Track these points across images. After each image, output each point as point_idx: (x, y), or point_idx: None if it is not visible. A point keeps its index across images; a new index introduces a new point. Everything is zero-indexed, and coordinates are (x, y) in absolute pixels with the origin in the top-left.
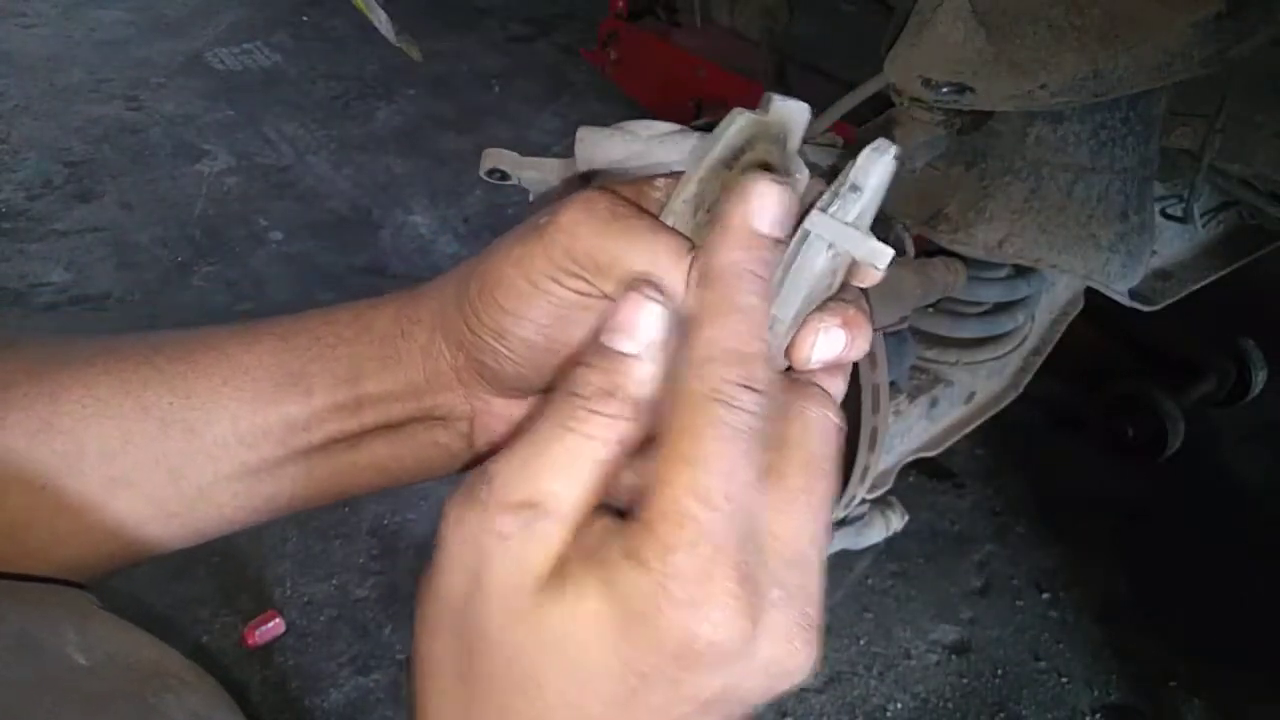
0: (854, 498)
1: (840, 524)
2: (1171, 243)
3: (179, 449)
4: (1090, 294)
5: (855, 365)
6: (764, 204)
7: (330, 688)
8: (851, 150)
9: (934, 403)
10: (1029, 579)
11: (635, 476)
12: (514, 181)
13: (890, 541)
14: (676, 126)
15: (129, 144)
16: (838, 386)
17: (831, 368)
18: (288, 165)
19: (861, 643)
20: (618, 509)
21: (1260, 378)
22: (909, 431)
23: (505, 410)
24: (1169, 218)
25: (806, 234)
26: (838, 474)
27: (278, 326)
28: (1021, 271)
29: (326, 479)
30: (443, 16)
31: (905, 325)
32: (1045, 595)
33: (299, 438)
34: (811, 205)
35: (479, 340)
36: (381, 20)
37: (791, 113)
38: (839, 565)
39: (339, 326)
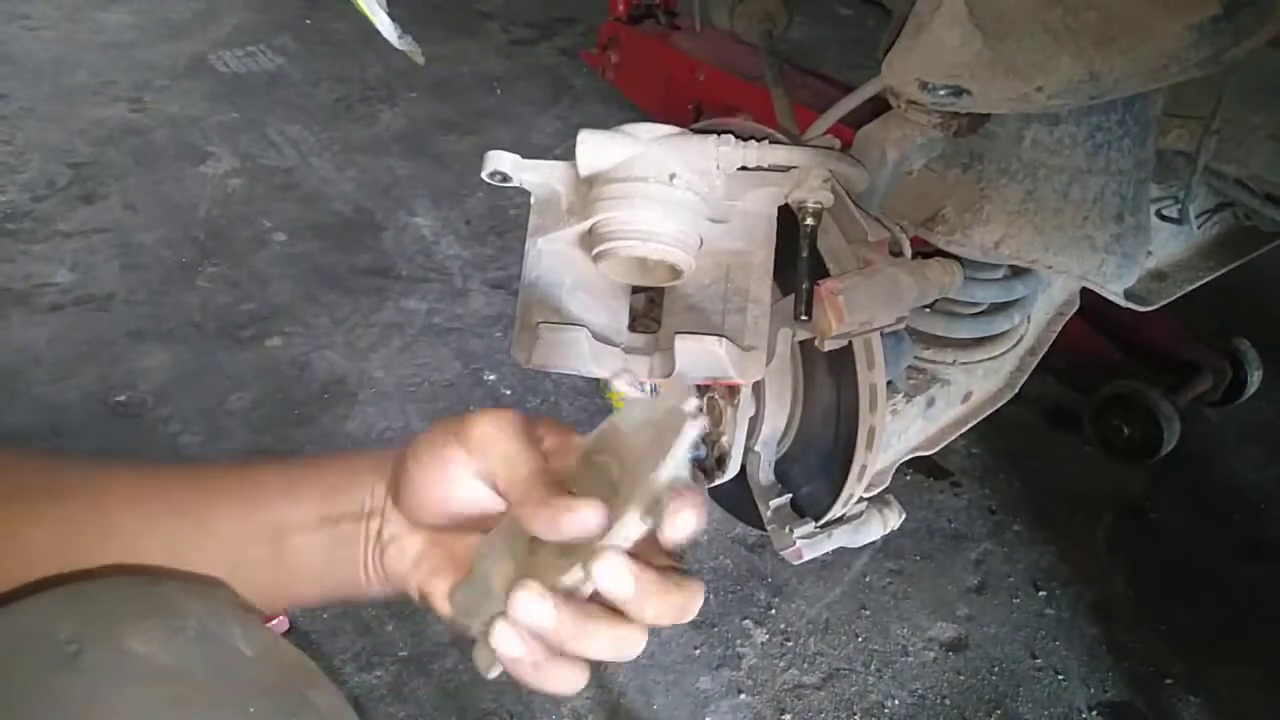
0: (852, 496)
1: (838, 522)
2: (1167, 244)
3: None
4: (1086, 294)
5: (854, 365)
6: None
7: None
8: None
9: (931, 402)
10: (1025, 577)
11: None
12: (515, 183)
13: (887, 540)
14: (676, 129)
15: (133, 146)
16: None
17: None
18: (291, 167)
19: (859, 640)
20: None
21: (1256, 378)
22: (906, 431)
23: (407, 535)
24: (1164, 219)
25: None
26: (836, 474)
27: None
28: (1018, 272)
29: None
30: (445, 20)
31: (902, 325)
32: (1042, 593)
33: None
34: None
35: (405, 500)
36: (384, 23)
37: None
38: (837, 563)
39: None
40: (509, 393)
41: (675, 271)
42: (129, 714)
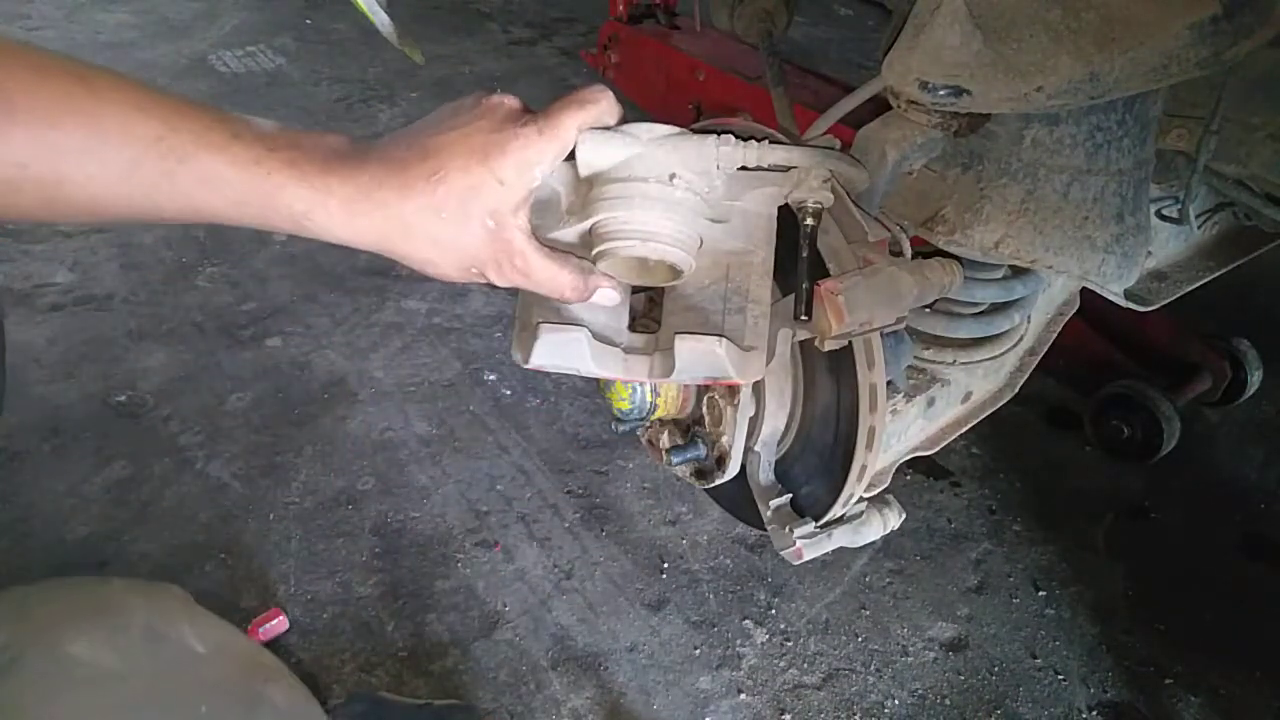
0: (851, 496)
1: (838, 522)
2: (1167, 244)
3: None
4: (1086, 294)
5: (854, 365)
6: None
7: (333, 683)
8: None
9: (931, 402)
10: (1025, 577)
11: None
12: None
13: (887, 540)
14: (676, 129)
15: None
16: None
17: None
18: None
19: (859, 640)
20: None
21: (1256, 378)
22: (906, 431)
23: None
24: (1165, 219)
25: None
26: (836, 473)
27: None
28: (1018, 272)
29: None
30: (445, 20)
31: (902, 325)
32: (1041, 593)
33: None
34: None
35: None
36: (384, 23)
37: None
38: (837, 563)
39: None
40: (509, 392)
41: (675, 271)
42: None
